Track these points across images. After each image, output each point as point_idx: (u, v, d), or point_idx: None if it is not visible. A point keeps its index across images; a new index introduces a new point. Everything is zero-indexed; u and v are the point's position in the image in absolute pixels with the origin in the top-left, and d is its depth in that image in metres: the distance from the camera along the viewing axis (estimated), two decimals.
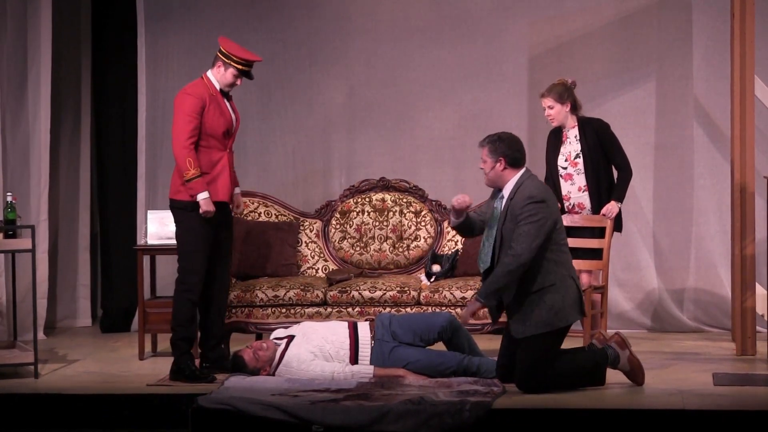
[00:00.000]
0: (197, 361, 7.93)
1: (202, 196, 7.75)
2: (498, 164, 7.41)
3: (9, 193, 8.34)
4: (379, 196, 9.21)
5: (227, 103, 7.94)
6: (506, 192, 7.40)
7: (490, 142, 7.45)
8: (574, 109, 8.40)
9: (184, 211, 7.84)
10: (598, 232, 8.31)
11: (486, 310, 7.49)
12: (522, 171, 7.41)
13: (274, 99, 10.04)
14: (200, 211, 7.75)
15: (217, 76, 7.88)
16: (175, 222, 7.94)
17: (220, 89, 7.90)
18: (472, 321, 8.29)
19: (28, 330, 8.98)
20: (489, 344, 8.34)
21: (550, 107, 8.35)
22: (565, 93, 8.33)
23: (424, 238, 9.09)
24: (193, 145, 7.76)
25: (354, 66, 9.99)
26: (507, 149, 7.40)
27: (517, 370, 7.35)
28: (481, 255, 7.43)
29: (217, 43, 7.85)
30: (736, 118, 8.64)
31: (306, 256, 9.13)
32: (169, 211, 8.63)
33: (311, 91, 10.01)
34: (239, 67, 7.83)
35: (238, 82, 7.89)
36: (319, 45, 9.99)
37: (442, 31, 9.88)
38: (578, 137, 8.38)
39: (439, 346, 7.89)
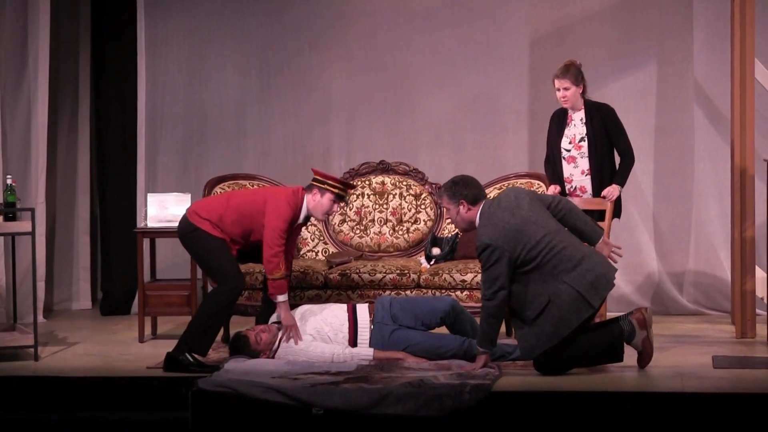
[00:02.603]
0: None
1: (283, 298, 7.73)
2: (461, 207, 7.40)
3: (9, 176, 8.34)
4: (379, 179, 9.21)
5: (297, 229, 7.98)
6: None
7: (446, 190, 7.46)
8: (583, 92, 8.39)
9: (199, 232, 7.76)
10: (598, 215, 8.31)
11: None
12: (481, 207, 7.39)
13: (273, 83, 10.03)
14: (281, 316, 7.72)
15: (311, 203, 7.85)
16: (195, 244, 7.80)
17: (306, 216, 7.89)
18: (471, 304, 8.31)
19: (27, 313, 8.99)
20: None
21: (566, 89, 8.30)
22: (580, 75, 8.31)
23: (423, 221, 9.10)
24: (284, 247, 7.74)
25: (353, 49, 9.97)
26: (465, 189, 7.40)
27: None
28: None
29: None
30: (736, 101, 8.63)
31: (306, 239, 9.14)
32: (169, 194, 8.67)
33: (311, 75, 9.99)
34: (335, 191, 7.83)
35: (335, 207, 7.89)
36: (319, 28, 9.97)
37: (441, 14, 9.86)
38: (584, 120, 8.36)
39: (441, 330, 7.89)
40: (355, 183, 9.16)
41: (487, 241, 7.25)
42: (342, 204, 7.98)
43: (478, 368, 7.29)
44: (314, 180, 7.86)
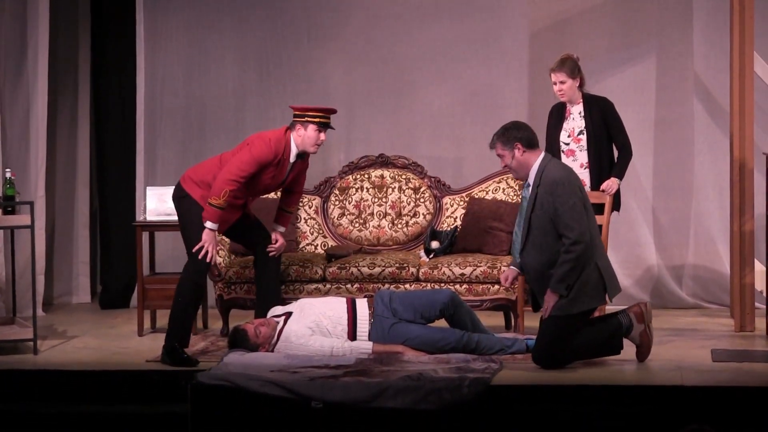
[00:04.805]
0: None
1: (211, 226, 7.76)
2: (516, 151, 7.36)
3: (8, 170, 8.35)
4: (378, 172, 9.20)
5: (289, 167, 8.01)
6: (532, 179, 7.36)
7: (499, 136, 7.42)
8: (581, 85, 8.38)
9: (188, 201, 7.85)
10: (597, 209, 8.30)
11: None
12: (542, 154, 7.39)
13: (272, 75, 10.02)
14: (203, 237, 7.74)
15: (298, 140, 7.96)
16: (181, 212, 7.90)
17: (299, 153, 7.98)
18: (471, 297, 8.30)
19: (27, 306, 8.99)
20: (488, 320, 8.34)
21: (562, 82, 8.31)
22: (576, 68, 8.32)
23: (423, 214, 9.09)
24: (240, 186, 7.79)
25: (353, 42, 9.96)
26: (518, 132, 7.38)
27: (535, 347, 7.40)
28: (514, 244, 7.47)
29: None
30: (735, 94, 8.63)
31: (305, 232, 9.13)
32: (168, 187, 8.66)
33: (310, 67, 9.98)
34: (316, 120, 7.93)
35: (322, 136, 7.95)
36: (318, 21, 9.96)
37: (441, 7, 9.85)
38: (582, 114, 8.36)
39: (442, 323, 7.88)
40: (354, 176, 9.16)
41: (565, 178, 7.23)
42: (326, 131, 7.99)
43: (550, 305, 7.21)
44: (294, 116, 7.97)
